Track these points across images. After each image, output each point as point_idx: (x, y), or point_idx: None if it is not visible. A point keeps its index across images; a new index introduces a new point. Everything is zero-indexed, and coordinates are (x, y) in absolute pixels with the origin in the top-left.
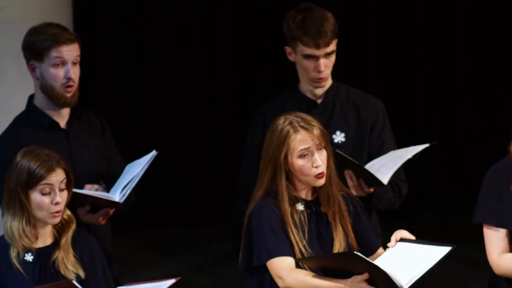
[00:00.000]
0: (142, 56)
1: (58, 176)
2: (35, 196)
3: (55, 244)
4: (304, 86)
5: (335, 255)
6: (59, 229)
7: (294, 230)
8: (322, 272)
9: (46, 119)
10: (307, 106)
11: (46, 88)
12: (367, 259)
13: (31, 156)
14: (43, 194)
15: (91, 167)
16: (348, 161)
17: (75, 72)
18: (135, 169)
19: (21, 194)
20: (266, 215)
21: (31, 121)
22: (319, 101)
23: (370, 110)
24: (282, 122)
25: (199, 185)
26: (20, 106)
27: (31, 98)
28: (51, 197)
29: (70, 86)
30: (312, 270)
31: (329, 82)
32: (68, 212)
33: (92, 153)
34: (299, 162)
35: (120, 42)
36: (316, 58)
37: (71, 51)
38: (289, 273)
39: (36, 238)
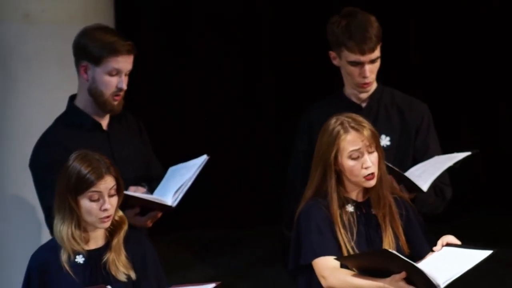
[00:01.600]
0: (182, 57)
1: (107, 184)
2: (84, 202)
3: (107, 246)
4: (349, 90)
5: (372, 253)
6: (111, 231)
7: (342, 230)
8: (362, 271)
9: (88, 121)
10: (352, 110)
11: (95, 92)
12: (403, 257)
13: (82, 161)
14: (92, 201)
15: (132, 169)
16: (388, 167)
17: (126, 82)
18: (185, 173)
19: (70, 198)
20: (314, 215)
21: (73, 122)
22: (363, 104)
23: (415, 114)
24: (333, 122)
25: (240, 188)
26: (61, 107)
27: (72, 98)
28: (100, 204)
29: (118, 95)
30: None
31: (374, 86)
32: (120, 213)
33: (133, 154)
34: (349, 163)
35: (160, 43)
36: (361, 64)
37: (127, 63)
38: (332, 272)
39: (87, 240)
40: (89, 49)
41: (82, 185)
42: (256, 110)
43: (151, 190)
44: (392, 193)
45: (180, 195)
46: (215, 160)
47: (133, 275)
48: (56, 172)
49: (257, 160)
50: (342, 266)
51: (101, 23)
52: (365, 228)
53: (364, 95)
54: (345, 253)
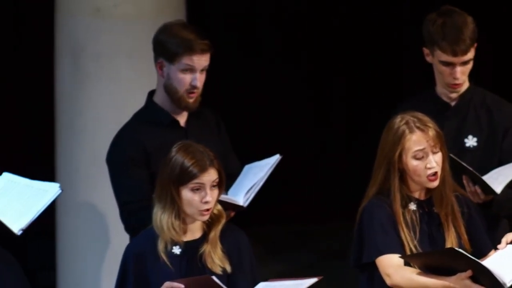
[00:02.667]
0: (252, 55)
1: (210, 176)
2: (186, 193)
3: (204, 238)
4: (440, 89)
5: (438, 251)
6: (209, 223)
7: (405, 229)
8: (427, 269)
9: (166, 117)
10: (440, 108)
11: (170, 89)
12: (468, 255)
13: (186, 152)
14: (194, 193)
15: None
16: (462, 166)
17: (201, 80)
18: (257, 172)
19: (172, 188)
20: (377, 213)
21: (151, 118)
22: (453, 103)
23: (504, 116)
24: (398, 121)
25: (308, 183)
26: (132, 103)
27: (151, 94)
28: (201, 196)
29: (193, 93)
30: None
31: (465, 86)
32: (219, 207)
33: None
34: (413, 163)
35: (231, 39)
36: (452, 65)
37: (201, 61)
38: (397, 270)
39: (185, 232)
40: (165, 46)
41: (186, 177)
42: (325, 108)
43: (226, 188)
44: (454, 191)
45: (251, 195)
46: (286, 156)
47: (228, 268)
48: (132, 169)
49: (325, 157)
50: (405, 264)
51: (172, 18)
52: (427, 226)
53: (454, 95)
54: (408, 252)
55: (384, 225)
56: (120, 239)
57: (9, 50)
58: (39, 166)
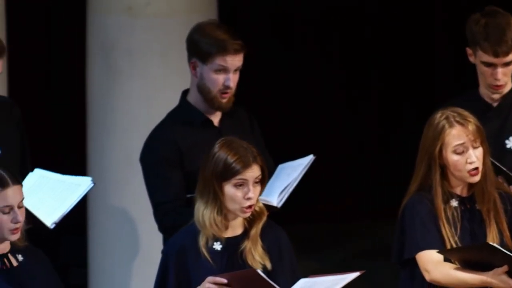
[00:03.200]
0: (284, 53)
1: (253, 172)
2: (229, 189)
3: (244, 234)
4: (483, 90)
5: (475, 246)
6: (250, 220)
7: (446, 225)
8: (465, 265)
9: (200, 117)
10: (483, 109)
11: (203, 89)
12: (504, 250)
13: (229, 148)
14: (237, 188)
15: None
16: (498, 167)
17: (234, 80)
18: (291, 173)
19: (215, 184)
20: (418, 209)
21: (184, 118)
22: (495, 104)
23: None
24: (438, 116)
25: (342, 181)
26: (163, 101)
27: (185, 93)
28: (244, 192)
29: (226, 93)
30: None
31: (508, 87)
32: (261, 204)
33: None
34: (453, 158)
35: (263, 37)
36: (494, 66)
37: (235, 61)
38: (436, 266)
39: (226, 228)
40: (198, 46)
41: (229, 172)
42: (358, 107)
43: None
44: (497, 188)
45: (285, 196)
46: (319, 154)
47: (268, 265)
48: (166, 169)
49: (360, 156)
50: (445, 260)
51: (204, 16)
52: (469, 223)
53: (496, 96)
54: (449, 248)
55: (425, 221)
56: (151, 238)
57: (41, 48)
58: (71, 164)
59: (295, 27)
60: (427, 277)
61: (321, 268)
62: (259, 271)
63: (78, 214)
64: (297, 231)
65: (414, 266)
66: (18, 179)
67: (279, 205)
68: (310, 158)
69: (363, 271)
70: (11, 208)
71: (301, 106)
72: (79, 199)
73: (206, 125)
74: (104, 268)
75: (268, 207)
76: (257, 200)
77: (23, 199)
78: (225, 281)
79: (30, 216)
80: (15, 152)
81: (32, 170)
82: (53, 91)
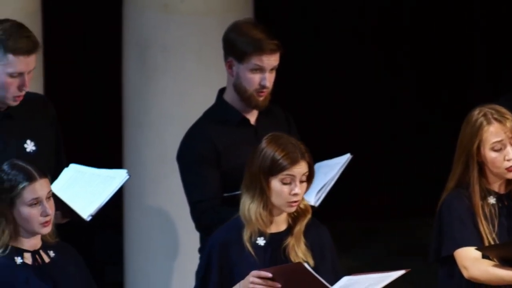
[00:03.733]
0: (318, 51)
1: (301, 168)
2: (275, 184)
3: (288, 231)
4: None
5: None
6: (294, 217)
7: (484, 222)
8: (504, 262)
9: (237, 116)
10: None
11: (239, 89)
12: None
13: (277, 144)
14: (284, 184)
15: None
16: None
17: (270, 80)
18: (328, 172)
19: (262, 179)
20: (456, 205)
21: (221, 117)
22: None
23: None
24: (476, 113)
25: (373, 178)
26: (199, 98)
27: (221, 92)
28: (290, 187)
29: (262, 92)
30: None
31: None
32: (305, 201)
33: None
34: (491, 155)
35: (298, 37)
36: None
37: (271, 60)
38: (474, 263)
39: (270, 223)
40: (234, 45)
41: (277, 168)
42: (394, 106)
43: None
44: None
45: (322, 195)
46: (354, 152)
47: (311, 262)
48: (203, 167)
49: (395, 154)
50: (483, 257)
51: (239, 13)
52: (506, 220)
53: None
54: (487, 245)
55: (463, 218)
56: (187, 235)
57: (77, 45)
58: (106, 162)
59: (329, 25)
60: (465, 274)
61: (350, 266)
62: (306, 265)
63: (114, 212)
64: (332, 229)
65: (452, 264)
66: (45, 173)
67: (317, 204)
68: (347, 157)
69: (408, 270)
70: (39, 201)
71: (337, 104)
72: (115, 191)
73: (243, 124)
74: (140, 266)
75: None
76: (303, 198)
77: (50, 191)
78: (269, 275)
79: (66, 210)
80: (50, 148)
81: (67, 166)
82: (88, 88)
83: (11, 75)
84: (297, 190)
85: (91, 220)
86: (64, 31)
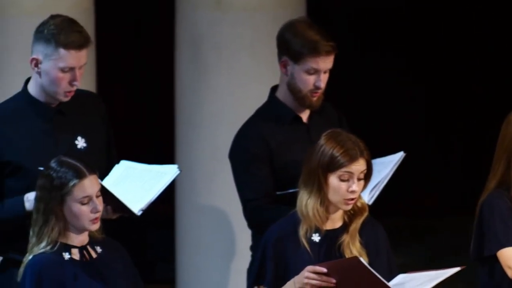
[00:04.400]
0: (370, 50)
1: (359, 166)
2: (333, 180)
3: (343, 228)
4: None
5: None
6: (351, 215)
7: None
8: None
9: (289, 114)
10: None
11: (293, 88)
12: None
13: (336, 141)
14: (341, 180)
15: None
16: None
17: (324, 81)
18: (381, 170)
19: (320, 175)
20: (497, 205)
21: (273, 115)
22: None
23: None
24: None
25: (426, 176)
26: (252, 95)
27: (274, 89)
28: (348, 184)
29: (316, 93)
30: None
31: None
32: (363, 200)
33: None
34: None
35: (349, 32)
36: None
37: (326, 62)
38: None
39: (326, 220)
40: (290, 45)
41: (335, 164)
42: (442, 105)
43: None
44: None
45: (376, 193)
46: (405, 150)
47: (366, 260)
48: (256, 165)
49: (445, 152)
50: None
51: (293, 10)
52: None
53: None
54: None
55: (504, 218)
56: (239, 232)
57: (130, 42)
58: (158, 159)
59: (384, 22)
60: (510, 274)
61: (404, 263)
62: (361, 259)
63: (166, 209)
64: (385, 226)
65: (493, 263)
66: (93, 169)
67: (370, 202)
68: (400, 155)
69: (463, 267)
70: (89, 198)
71: (389, 102)
72: (165, 186)
73: (295, 122)
74: (192, 263)
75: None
76: (360, 196)
77: (99, 187)
78: (324, 270)
79: (117, 205)
80: (100, 145)
81: (118, 163)
82: (141, 85)
83: (62, 70)
84: (354, 187)
85: (142, 215)
86: (117, 28)
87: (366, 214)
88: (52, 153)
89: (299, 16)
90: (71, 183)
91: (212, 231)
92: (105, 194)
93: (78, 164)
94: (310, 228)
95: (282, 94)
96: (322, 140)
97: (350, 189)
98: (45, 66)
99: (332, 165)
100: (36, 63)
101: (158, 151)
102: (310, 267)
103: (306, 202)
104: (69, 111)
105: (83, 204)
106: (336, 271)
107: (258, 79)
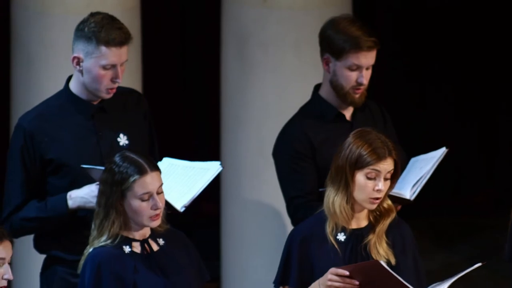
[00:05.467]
0: (415, 48)
1: (387, 165)
2: (360, 178)
3: (369, 228)
4: None
5: None
6: (377, 216)
7: None
8: None
9: (332, 111)
10: None
11: (335, 86)
12: None
13: (365, 139)
14: (368, 179)
15: None
16: None
17: (367, 77)
18: (424, 166)
19: (348, 172)
20: None
21: (317, 112)
22: None
23: None
24: None
25: (474, 175)
26: (298, 94)
27: (317, 87)
28: (374, 183)
29: (359, 89)
30: None
31: None
32: (389, 201)
33: None
34: None
35: (397, 35)
36: None
37: (368, 58)
38: None
39: (352, 218)
40: (331, 42)
41: (363, 162)
42: (492, 103)
43: None
44: None
45: (418, 188)
46: (452, 147)
47: (392, 261)
48: (299, 163)
49: (495, 149)
50: None
51: (339, 9)
52: None
53: None
54: None
55: None
56: (284, 231)
57: (176, 40)
58: (204, 156)
59: (430, 18)
60: None
61: (451, 262)
62: (382, 263)
63: (212, 207)
64: (430, 224)
65: None
66: (156, 166)
67: (412, 198)
68: (442, 151)
69: (484, 262)
70: (150, 195)
71: (432, 99)
72: (208, 182)
73: (339, 119)
74: (238, 261)
75: (402, 200)
76: (386, 197)
77: (161, 185)
78: (346, 273)
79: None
80: (143, 142)
81: (160, 160)
82: (187, 83)
83: (104, 67)
84: (380, 186)
85: (187, 212)
86: (162, 26)
87: (393, 215)
88: (95, 150)
89: (342, 13)
90: (132, 179)
91: (258, 228)
92: None
93: (141, 160)
94: (337, 226)
95: (325, 92)
96: (350, 138)
97: (376, 187)
98: (86, 64)
99: (359, 163)
100: (78, 61)
101: (203, 149)
102: (332, 270)
103: (333, 199)
104: (111, 108)
105: (143, 200)
106: (359, 274)
107: (303, 77)
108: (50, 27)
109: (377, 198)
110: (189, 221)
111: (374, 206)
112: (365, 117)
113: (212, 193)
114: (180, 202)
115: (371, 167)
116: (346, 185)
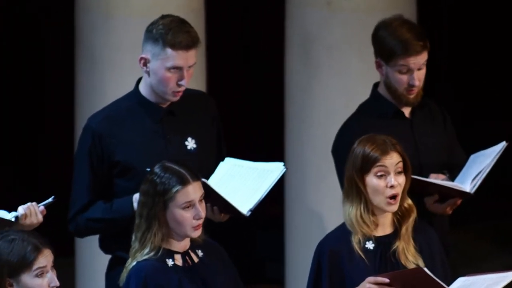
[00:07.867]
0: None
1: (392, 159)
2: (371, 179)
3: (395, 234)
4: None
5: None
6: (399, 218)
7: None
8: None
9: (391, 109)
10: None
11: (389, 87)
12: None
13: (366, 141)
14: (379, 178)
15: (434, 157)
16: None
17: (419, 78)
18: (483, 160)
19: (357, 179)
20: None
21: (376, 110)
22: None
23: None
24: None
25: None
26: (361, 96)
27: (376, 85)
28: (386, 180)
29: (412, 90)
30: None
31: None
32: (409, 201)
33: (435, 142)
34: None
35: (462, 39)
36: None
37: (417, 60)
38: None
39: (376, 226)
40: (381, 45)
41: (368, 162)
42: None
43: (452, 178)
44: None
45: (478, 182)
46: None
47: (421, 264)
48: None
49: None
50: None
51: (404, 11)
52: None
53: None
54: None
55: None
56: None
57: (240, 41)
58: (268, 158)
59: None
60: None
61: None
62: (426, 270)
63: (276, 209)
64: (491, 227)
65: None
66: (198, 175)
67: (472, 191)
68: (502, 145)
69: None
70: (192, 204)
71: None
72: (272, 185)
73: (398, 117)
74: (301, 263)
75: (462, 194)
76: (406, 196)
77: (203, 194)
78: (386, 280)
79: (224, 206)
80: (210, 146)
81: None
82: (252, 85)
83: (169, 70)
84: (392, 181)
85: (251, 215)
86: (227, 28)
87: (414, 215)
88: (162, 154)
89: (393, 14)
90: (174, 189)
91: (321, 231)
92: (212, 194)
93: (182, 170)
94: (362, 236)
95: (384, 90)
96: (353, 145)
97: (389, 184)
98: (153, 65)
99: (365, 164)
100: (145, 62)
101: (268, 151)
102: (371, 278)
103: (349, 211)
104: (179, 111)
105: (185, 210)
106: (399, 281)
107: (367, 80)
108: (114, 30)
109: (394, 197)
110: (254, 223)
111: (394, 207)
112: (424, 114)
113: (276, 196)
114: (246, 206)
115: (377, 164)
116: (359, 193)
